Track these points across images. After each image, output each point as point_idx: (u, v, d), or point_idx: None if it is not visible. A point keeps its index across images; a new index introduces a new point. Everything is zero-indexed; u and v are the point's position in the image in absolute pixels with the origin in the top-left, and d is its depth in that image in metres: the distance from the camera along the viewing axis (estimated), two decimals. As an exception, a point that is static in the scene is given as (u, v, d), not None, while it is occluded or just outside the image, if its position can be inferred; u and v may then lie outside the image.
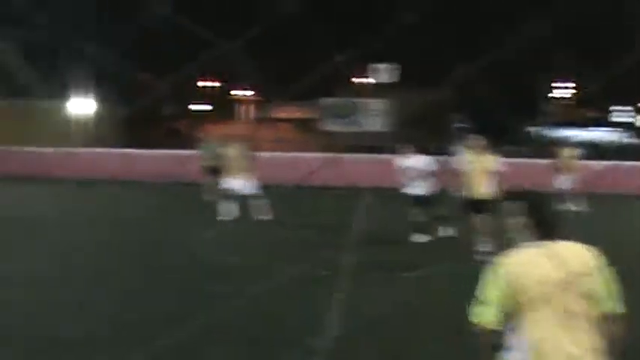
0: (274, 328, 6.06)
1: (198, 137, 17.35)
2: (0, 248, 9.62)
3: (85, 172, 18.34)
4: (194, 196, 14.40)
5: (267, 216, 11.77)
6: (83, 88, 27.92)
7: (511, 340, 2.72)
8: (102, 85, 30.29)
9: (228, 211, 11.89)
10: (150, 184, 17.34)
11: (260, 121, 40.22)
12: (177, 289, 7.45)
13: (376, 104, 34.84)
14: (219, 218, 11.81)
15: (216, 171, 13.31)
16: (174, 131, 37.57)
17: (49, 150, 19.42)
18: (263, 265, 8.48)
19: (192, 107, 42.68)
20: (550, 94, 44.16)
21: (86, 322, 6.07)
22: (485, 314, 2.71)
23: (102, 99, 30.44)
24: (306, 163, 17.79)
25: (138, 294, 7.19)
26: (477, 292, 2.76)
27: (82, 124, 28.31)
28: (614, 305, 2.72)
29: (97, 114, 29.30)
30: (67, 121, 27.46)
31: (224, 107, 42.08)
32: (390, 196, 11.39)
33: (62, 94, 27.17)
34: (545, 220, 2.78)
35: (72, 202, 14.92)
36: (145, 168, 18.69)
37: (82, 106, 28.45)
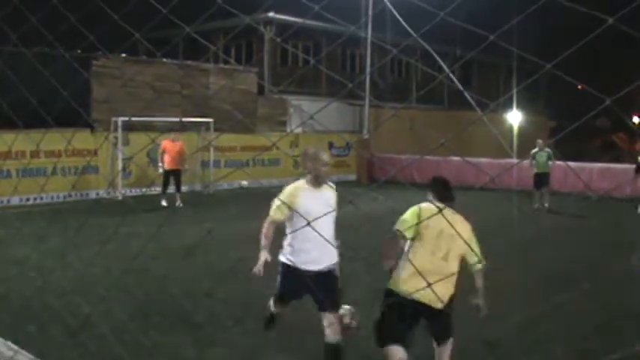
0: None
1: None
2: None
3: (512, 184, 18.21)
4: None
5: None
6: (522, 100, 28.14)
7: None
8: (535, 97, 30.22)
9: None
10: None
11: None
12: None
13: None
14: None
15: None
16: (609, 144, 34.99)
17: (485, 160, 19.91)
18: None
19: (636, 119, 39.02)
20: None
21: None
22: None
23: (533, 111, 30.29)
24: None
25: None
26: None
27: (510, 135, 28.53)
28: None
29: (525, 125, 29.17)
30: (500, 132, 27.95)
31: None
32: None
33: (504, 105, 27.81)
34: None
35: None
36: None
37: (511, 117, 28.79)
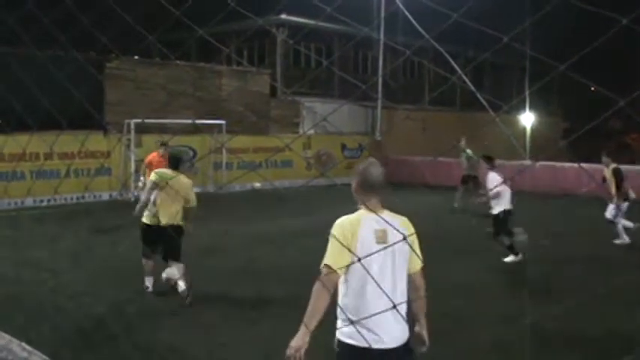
0: None
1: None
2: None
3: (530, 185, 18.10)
4: None
5: None
6: (533, 102, 28.10)
7: None
8: (548, 98, 30.15)
9: None
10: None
11: None
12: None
13: None
14: None
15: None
16: (624, 146, 34.70)
17: (497, 162, 19.78)
18: None
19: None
20: None
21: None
22: None
23: (546, 112, 30.19)
24: None
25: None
26: None
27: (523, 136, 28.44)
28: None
29: (538, 126, 29.12)
30: (513, 134, 27.88)
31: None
32: None
33: (517, 106, 27.79)
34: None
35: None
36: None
37: (524, 118, 28.77)
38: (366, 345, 3.06)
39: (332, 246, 3.14)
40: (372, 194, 3.27)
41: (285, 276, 8.44)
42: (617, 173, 11.11)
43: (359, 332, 3.07)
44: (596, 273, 8.97)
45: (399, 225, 3.20)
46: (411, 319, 3.33)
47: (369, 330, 3.09)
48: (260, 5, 8.98)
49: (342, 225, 3.17)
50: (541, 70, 26.85)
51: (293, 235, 11.55)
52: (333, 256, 3.12)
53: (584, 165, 18.89)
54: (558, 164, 19.38)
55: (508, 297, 7.57)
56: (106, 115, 17.35)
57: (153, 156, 14.05)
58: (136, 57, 18.82)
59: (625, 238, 11.09)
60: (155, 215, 7.29)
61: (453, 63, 3.08)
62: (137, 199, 8.38)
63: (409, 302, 3.34)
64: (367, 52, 27.01)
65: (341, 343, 3.18)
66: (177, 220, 7.39)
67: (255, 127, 20.64)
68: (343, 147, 23.87)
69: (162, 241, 7.30)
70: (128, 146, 16.94)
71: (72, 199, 15.99)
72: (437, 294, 7.39)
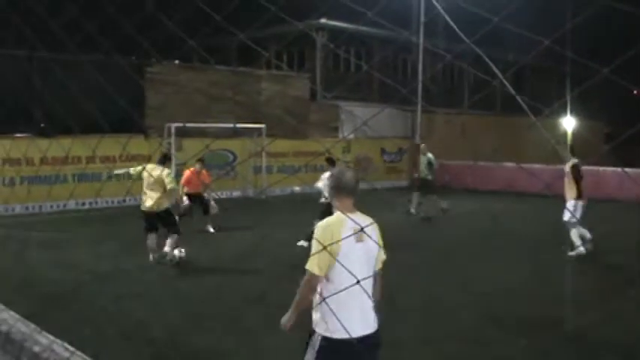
0: None
1: None
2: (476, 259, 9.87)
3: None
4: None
5: None
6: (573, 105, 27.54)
7: None
8: (588, 101, 29.57)
9: None
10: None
11: None
12: None
13: None
14: None
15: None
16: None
17: (538, 166, 19.49)
18: None
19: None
20: None
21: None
22: None
23: (587, 116, 29.60)
24: None
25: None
26: None
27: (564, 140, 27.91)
28: None
29: (580, 130, 28.54)
30: (554, 138, 27.42)
31: None
32: None
33: (557, 111, 27.29)
34: None
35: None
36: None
37: (565, 122, 28.22)
38: (350, 336, 3.24)
39: (315, 250, 3.36)
40: (346, 197, 3.54)
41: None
42: (576, 169, 10.09)
43: (340, 325, 3.24)
44: (636, 278, 8.71)
45: (370, 224, 3.44)
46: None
47: (352, 322, 3.30)
48: (300, 9, 9.01)
49: (325, 228, 3.41)
50: (582, 73, 26.31)
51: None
52: (317, 261, 3.37)
53: (627, 170, 18.43)
54: (601, 169, 18.92)
55: (547, 304, 7.39)
56: (146, 119, 17.63)
57: (190, 174, 13.00)
58: (177, 62, 19.08)
59: (580, 249, 9.96)
60: (144, 203, 9.12)
61: (494, 68, 3.03)
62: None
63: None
64: (407, 56, 26.86)
65: (324, 338, 3.38)
66: (161, 206, 9.12)
67: (294, 130, 20.70)
68: (383, 151, 23.77)
69: (158, 222, 9.27)
70: (169, 150, 17.17)
71: (113, 202, 16.28)
72: (476, 296, 7.31)
